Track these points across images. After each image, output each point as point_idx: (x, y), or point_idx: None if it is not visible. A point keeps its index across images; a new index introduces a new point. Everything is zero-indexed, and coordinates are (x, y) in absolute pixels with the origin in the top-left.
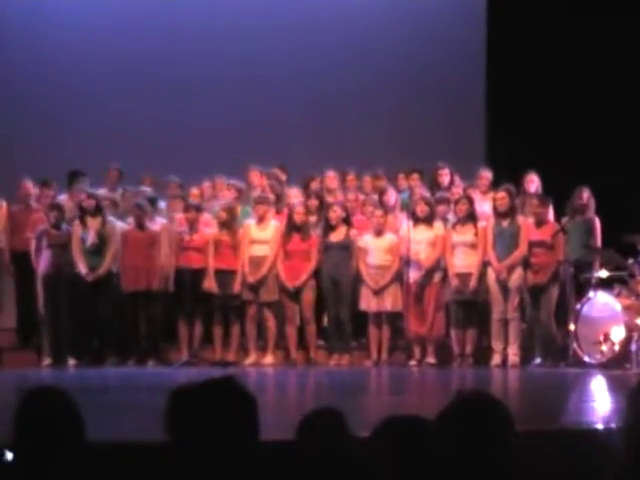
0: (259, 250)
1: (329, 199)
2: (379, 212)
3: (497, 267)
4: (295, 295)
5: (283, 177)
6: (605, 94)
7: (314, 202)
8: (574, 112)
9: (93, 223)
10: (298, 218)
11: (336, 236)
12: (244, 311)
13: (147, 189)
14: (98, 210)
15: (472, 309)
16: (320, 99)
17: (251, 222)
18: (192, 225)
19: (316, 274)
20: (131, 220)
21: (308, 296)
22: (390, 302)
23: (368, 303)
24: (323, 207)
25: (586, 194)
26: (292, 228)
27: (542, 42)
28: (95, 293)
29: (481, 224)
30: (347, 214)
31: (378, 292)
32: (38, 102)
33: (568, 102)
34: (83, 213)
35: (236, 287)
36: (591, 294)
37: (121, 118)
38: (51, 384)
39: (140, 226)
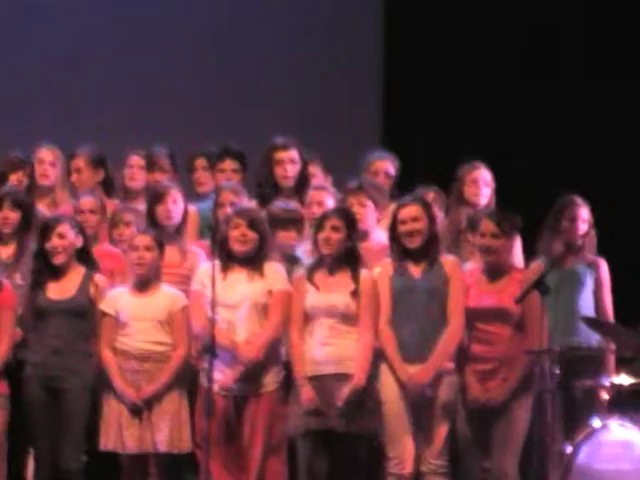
0: None
1: (41, 205)
2: (144, 238)
3: (407, 374)
4: None
5: None
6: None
7: (9, 214)
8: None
9: None
10: None
11: (59, 289)
12: None
13: None
14: None
15: (346, 450)
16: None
17: None
18: None
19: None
20: None
21: None
22: (166, 434)
23: (118, 439)
24: (29, 223)
25: (583, 211)
26: None
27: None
28: None
29: (371, 272)
30: (85, 239)
31: (139, 411)
32: None
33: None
34: None
35: None
36: (596, 423)
37: None
38: None
39: None
